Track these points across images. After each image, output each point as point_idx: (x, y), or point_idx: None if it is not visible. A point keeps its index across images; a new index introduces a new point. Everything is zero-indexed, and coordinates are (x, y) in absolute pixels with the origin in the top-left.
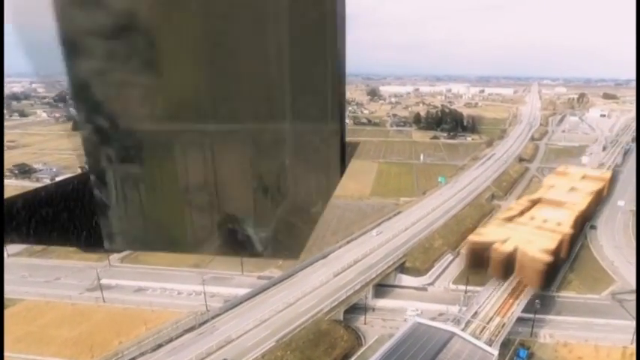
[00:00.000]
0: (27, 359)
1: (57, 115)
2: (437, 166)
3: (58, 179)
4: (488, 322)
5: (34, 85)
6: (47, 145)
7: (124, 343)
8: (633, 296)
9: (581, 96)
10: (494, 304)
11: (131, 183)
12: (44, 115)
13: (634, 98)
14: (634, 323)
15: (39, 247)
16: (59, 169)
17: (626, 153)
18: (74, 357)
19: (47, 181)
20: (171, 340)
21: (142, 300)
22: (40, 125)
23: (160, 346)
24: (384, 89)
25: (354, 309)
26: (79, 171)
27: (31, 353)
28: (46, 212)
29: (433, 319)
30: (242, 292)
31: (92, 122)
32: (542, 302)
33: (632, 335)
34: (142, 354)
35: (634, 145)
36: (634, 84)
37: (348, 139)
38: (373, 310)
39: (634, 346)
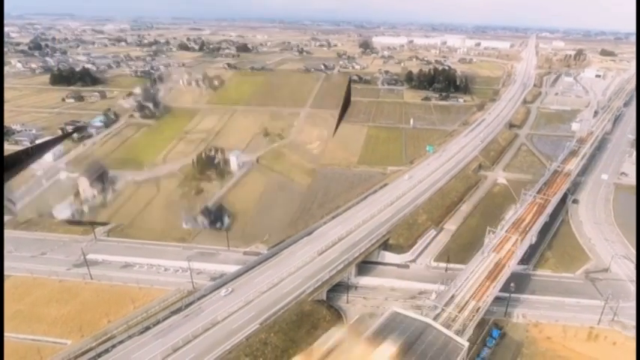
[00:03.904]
0: (19, 339)
1: (33, 65)
2: (427, 131)
3: (38, 142)
4: (460, 311)
5: (6, 29)
6: (24, 101)
7: (113, 322)
8: (605, 275)
9: (579, 52)
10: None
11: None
12: (19, 65)
13: (631, 55)
14: (602, 303)
15: (23, 219)
16: (38, 130)
17: (616, 120)
18: (64, 336)
19: (27, 144)
20: (158, 323)
21: (128, 277)
22: (15, 77)
23: (147, 328)
24: (377, 40)
25: (337, 287)
26: (59, 132)
27: (21, 332)
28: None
29: (413, 297)
30: (228, 268)
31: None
32: (518, 281)
33: (599, 315)
34: (130, 337)
35: (625, 111)
36: (633, 38)
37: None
38: (355, 288)
39: (600, 326)
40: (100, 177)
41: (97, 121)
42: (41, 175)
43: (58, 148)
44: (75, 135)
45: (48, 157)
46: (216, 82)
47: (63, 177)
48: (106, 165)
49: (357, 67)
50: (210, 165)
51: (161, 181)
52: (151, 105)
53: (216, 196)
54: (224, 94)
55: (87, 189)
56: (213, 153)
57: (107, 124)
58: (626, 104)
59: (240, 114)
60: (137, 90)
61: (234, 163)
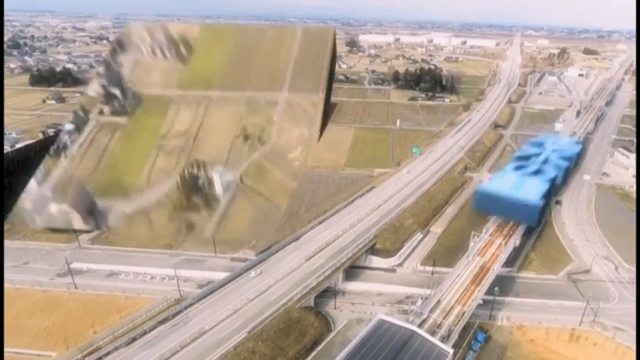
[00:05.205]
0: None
1: (12, 65)
2: (413, 132)
3: (18, 146)
4: (445, 317)
5: None
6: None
7: (99, 333)
8: (587, 276)
9: (562, 51)
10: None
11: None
12: None
13: (613, 54)
14: (584, 304)
15: (4, 227)
16: (18, 133)
17: (598, 119)
18: (49, 348)
19: (7, 149)
20: (145, 334)
21: (114, 286)
22: None
23: (133, 339)
24: (364, 38)
25: (325, 292)
26: (40, 136)
27: (4, 345)
28: (8, 182)
29: (400, 302)
30: (215, 275)
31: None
32: (502, 284)
33: (580, 317)
34: (116, 348)
35: (607, 110)
36: (616, 36)
37: None
38: (343, 293)
39: (582, 327)
40: (91, 210)
41: (69, 126)
42: (32, 211)
43: (39, 169)
44: (51, 150)
45: (32, 183)
46: (183, 50)
47: (54, 210)
48: (91, 194)
49: (344, 66)
50: (195, 188)
51: (151, 213)
52: (118, 92)
53: (208, 232)
54: (194, 72)
55: (80, 226)
56: (195, 171)
57: (79, 126)
58: (607, 104)
59: (214, 107)
60: (100, 70)
61: (217, 183)
